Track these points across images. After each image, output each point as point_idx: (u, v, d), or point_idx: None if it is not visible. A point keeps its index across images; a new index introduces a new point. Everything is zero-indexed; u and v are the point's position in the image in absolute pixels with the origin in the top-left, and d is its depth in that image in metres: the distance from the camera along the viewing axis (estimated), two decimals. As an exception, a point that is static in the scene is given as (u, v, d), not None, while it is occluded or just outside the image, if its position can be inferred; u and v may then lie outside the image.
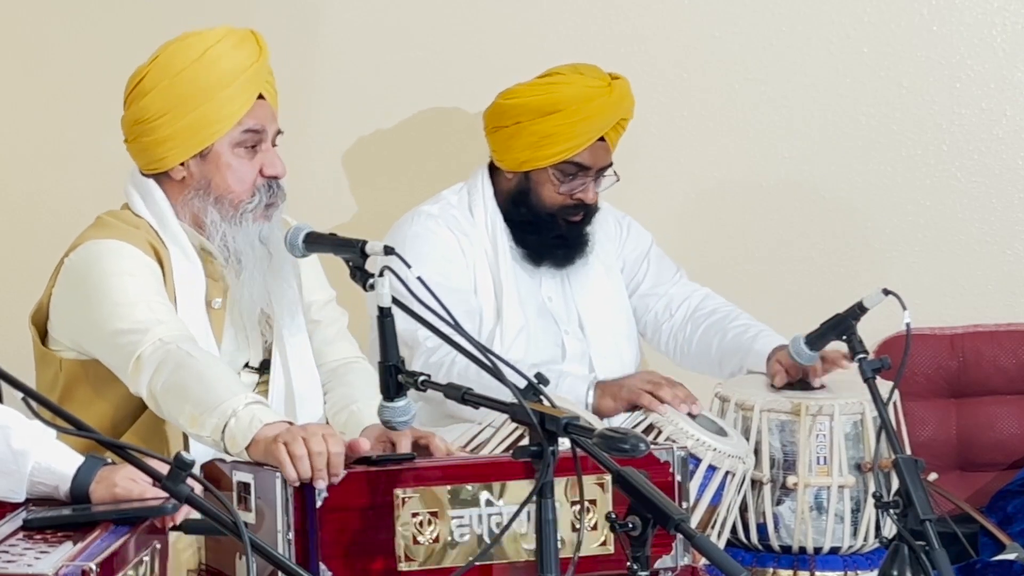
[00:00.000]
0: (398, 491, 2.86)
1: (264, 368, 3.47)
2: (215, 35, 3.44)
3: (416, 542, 2.86)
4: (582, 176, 4.05)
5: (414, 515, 2.86)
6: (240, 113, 3.38)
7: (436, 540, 2.87)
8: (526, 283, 4.11)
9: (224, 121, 3.37)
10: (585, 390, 3.80)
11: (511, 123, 4.05)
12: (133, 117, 3.43)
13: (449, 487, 2.89)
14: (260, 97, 3.42)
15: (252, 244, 3.39)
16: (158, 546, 2.65)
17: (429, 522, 2.87)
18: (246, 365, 3.46)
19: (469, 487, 2.90)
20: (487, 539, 2.89)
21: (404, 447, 3.11)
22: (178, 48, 3.43)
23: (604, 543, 2.99)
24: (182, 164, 3.41)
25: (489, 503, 2.91)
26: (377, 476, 2.87)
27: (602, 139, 4.05)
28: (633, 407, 3.67)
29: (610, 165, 4.09)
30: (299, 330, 3.49)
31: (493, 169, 4.15)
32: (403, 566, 2.85)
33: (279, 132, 3.47)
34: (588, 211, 4.09)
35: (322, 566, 2.80)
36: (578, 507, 2.93)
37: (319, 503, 2.81)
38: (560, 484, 2.77)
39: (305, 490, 2.83)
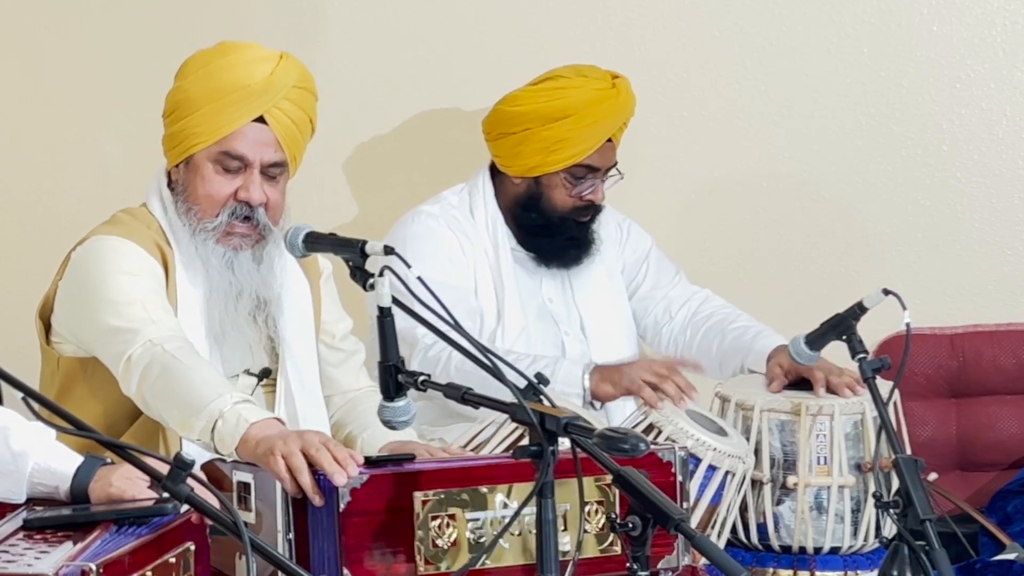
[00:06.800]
0: (418, 494, 2.85)
1: (264, 375, 3.47)
2: (244, 46, 3.42)
3: (435, 545, 2.86)
4: (592, 177, 4.06)
5: (433, 518, 2.86)
6: (223, 131, 3.34)
7: (455, 543, 2.87)
8: (527, 284, 4.12)
9: (204, 136, 3.35)
10: (581, 374, 3.81)
11: (519, 130, 4.05)
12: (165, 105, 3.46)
13: (466, 489, 2.88)
14: (261, 120, 3.36)
15: (214, 264, 3.36)
16: (192, 547, 2.63)
17: (448, 524, 2.87)
18: (246, 371, 3.46)
19: (484, 489, 2.89)
20: (502, 541, 2.89)
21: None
22: (205, 50, 3.43)
23: (611, 544, 2.99)
24: (176, 167, 3.42)
25: (504, 505, 2.90)
26: (397, 479, 2.85)
27: (609, 139, 4.07)
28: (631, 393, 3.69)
29: (615, 163, 4.11)
30: (305, 343, 3.49)
31: (495, 171, 4.15)
32: (423, 569, 2.85)
33: (277, 165, 3.39)
34: (595, 210, 4.10)
35: (345, 571, 2.79)
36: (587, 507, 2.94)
37: (342, 507, 2.80)
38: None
39: (327, 494, 2.81)
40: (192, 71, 3.40)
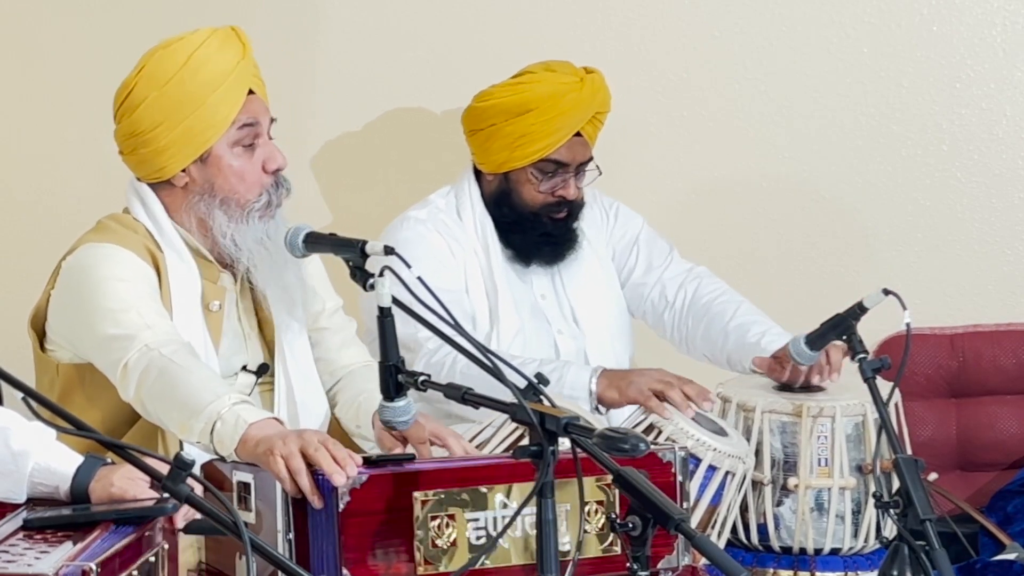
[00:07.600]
0: (417, 494, 2.85)
1: (262, 371, 3.47)
2: (198, 38, 3.42)
3: (435, 545, 2.86)
4: (562, 173, 4.04)
5: (432, 518, 2.86)
6: (233, 113, 3.37)
7: (454, 543, 2.87)
8: (518, 284, 4.11)
9: (219, 125, 3.36)
10: (588, 378, 3.79)
11: (486, 125, 4.05)
12: (127, 130, 3.41)
13: (466, 489, 2.88)
14: (250, 92, 3.41)
15: (259, 242, 3.38)
16: (166, 547, 2.65)
17: (447, 524, 2.87)
18: (244, 368, 3.46)
19: (484, 489, 2.89)
20: (502, 541, 2.88)
21: (419, 439, 3.12)
22: (163, 56, 3.40)
23: (612, 543, 2.99)
24: (184, 171, 3.41)
25: (504, 505, 2.90)
26: (396, 479, 2.86)
27: (579, 134, 4.03)
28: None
29: (590, 159, 4.09)
30: (300, 335, 3.48)
31: (478, 171, 4.15)
32: (422, 569, 2.85)
33: (273, 121, 3.45)
34: (572, 207, 4.08)
35: (344, 571, 2.80)
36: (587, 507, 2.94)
37: (341, 507, 2.80)
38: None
39: (327, 494, 2.82)
40: (173, 72, 3.37)
